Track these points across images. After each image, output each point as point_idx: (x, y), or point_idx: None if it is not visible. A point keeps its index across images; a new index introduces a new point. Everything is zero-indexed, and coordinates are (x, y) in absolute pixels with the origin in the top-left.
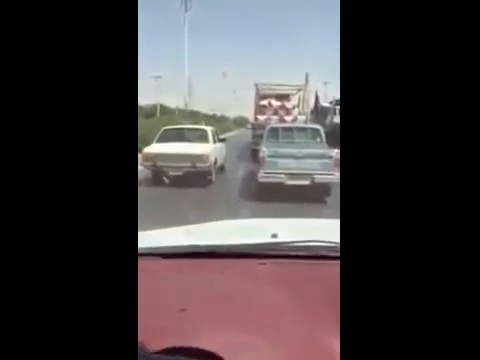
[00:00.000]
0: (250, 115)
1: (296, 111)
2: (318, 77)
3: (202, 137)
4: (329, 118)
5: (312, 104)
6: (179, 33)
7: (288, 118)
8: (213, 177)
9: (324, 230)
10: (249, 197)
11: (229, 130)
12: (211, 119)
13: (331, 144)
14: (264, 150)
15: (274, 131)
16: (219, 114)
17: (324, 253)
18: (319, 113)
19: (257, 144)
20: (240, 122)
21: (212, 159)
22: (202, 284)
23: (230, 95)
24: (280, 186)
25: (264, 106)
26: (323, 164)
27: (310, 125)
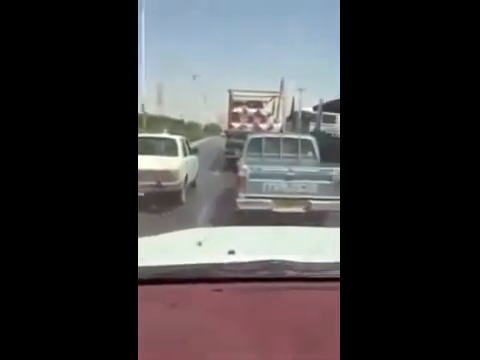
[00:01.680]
0: (222, 122)
1: (271, 119)
2: (294, 83)
3: (170, 148)
4: (314, 126)
5: (288, 111)
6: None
7: (263, 126)
8: (183, 197)
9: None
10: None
11: (200, 137)
12: (179, 125)
13: (323, 159)
14: (245, 168)
15: (256, 143)
16: (188, 120)
17: (289, 274)
18: (297, 120)
19: (232, 153)
20: (212, 129)
21: (182, 176)
22: (147, 323)
23: (201, 101)
24: (266, 214)
25: (238, 113)
26: (321, 186)
27: (301, 135)
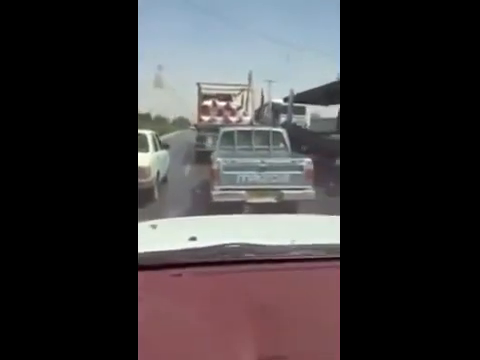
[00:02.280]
0: (191, 116)
1: (241, 112)
2: (262, 75)
3: (140, 144)
4: (285, 118)
5: (257, 104)
6: None
7: (233, 119)
8: (155, 194)
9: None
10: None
11: (168, 132)
12: (146, 119)
13: (294, 150)
14: (218, 161)
15: (229, 136)
16: (155, 114)
17: (250, 256)
18: (268, 112)
19: (202, 146)
20: (180, 123)
21: (154, 172)
22: None
23: (169, 94)
24: (240, 205)
25: (208, 106)
26: (293, 176)
27: (271, 128)
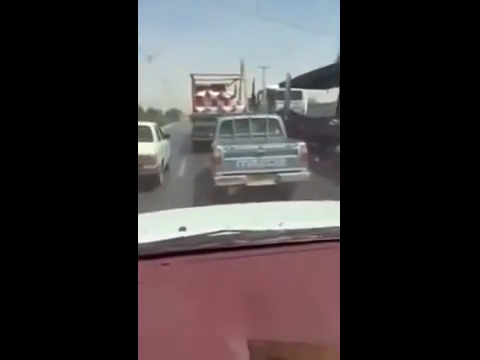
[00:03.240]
0: (184, 107)
1: (234, 101)
2: (255, 61)
3: (145, 135)
4: (282, 104)
5: (250, 92)
6: None
7: (227, 108)
8: (161, 179)
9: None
10: (207, 202)
11: (162, 124)
12: (139, 113)
13: (291, 136)
14: (219, 148)
15: (227, 125)
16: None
17: (238, 243)
18: (262, 100)
19: (199, 136)
20: (173, 115)
21: (159, 159)
22: None
23: (160, 86)
24: (241, 188)
25: (202, 97)
26: (289, 160)
27: (268, 115)
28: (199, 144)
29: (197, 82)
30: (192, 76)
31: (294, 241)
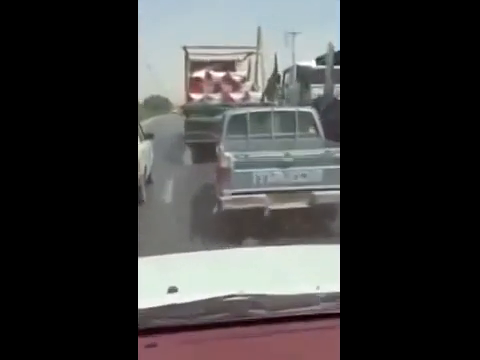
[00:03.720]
0: (172, 94)
1: (248, 85)
2: (279, 27)
3: None
4: (321, 89)
5: (271, 72)
6: None
7: (236, 96)
8: (143, 195)
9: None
10: (207, 233)
11: (141, 118)
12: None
13: (331, 137)
14: (228, 156)
15: (239, 120)
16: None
17: (254, 314)
18: (288, 83)
19: (195, 137)
20: (157, 105)
21: (141, 167)
22: None
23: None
24: (259, 214)
25: (200, 80)
26: (328, 172)
27: (298, 107)
28: (195, 149)
29: (192, 58)
30: (185, 49)
31: (336, 312)
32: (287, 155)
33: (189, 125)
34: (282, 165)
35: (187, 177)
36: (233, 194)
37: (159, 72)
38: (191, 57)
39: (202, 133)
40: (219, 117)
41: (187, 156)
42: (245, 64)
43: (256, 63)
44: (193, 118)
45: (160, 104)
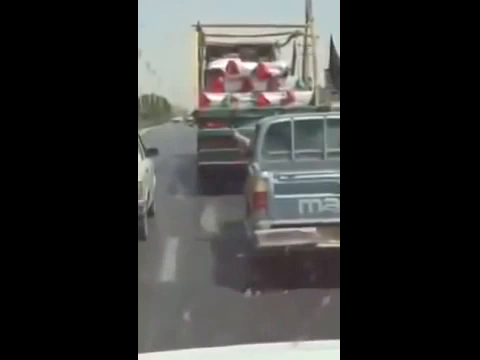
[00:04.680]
0: (176, 96)
1: (292, 81)
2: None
3: None
4: None
5: (326, 63)
6: None
7: (273, 97)
8: (145, 228)
9: None
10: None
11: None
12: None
13: None
14: (266, 177)
15: (279, 132)
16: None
17: None
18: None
19: (211, 157)
20: (153, 111)
21: (145, 191)
22: None
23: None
24: (307, 253)
25: (220, 73)
26: None
27: None
28: (213, 174)
29: (209, 40)
30: (199, 29)
31: None
32: None
33: (204, 140)
34: (337, 189)
35: (200, 211)
36: (272, 227)
37: (153, 62)
38: (207, 40)
39: (223, 151)
40: (248, 128)
41: (198, 182)
42: (288, 50)
43: (304, 49)
44: (210, 130)
45: (160, 109)
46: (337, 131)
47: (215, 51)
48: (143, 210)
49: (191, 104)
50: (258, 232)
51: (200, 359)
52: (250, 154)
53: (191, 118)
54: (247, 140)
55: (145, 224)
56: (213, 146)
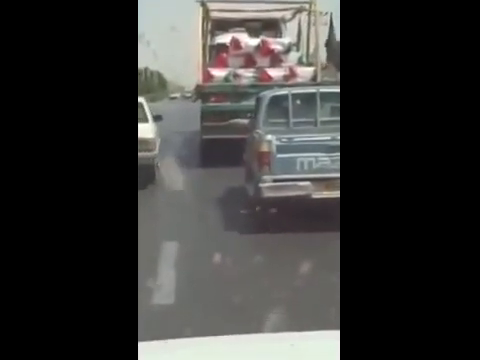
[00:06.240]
0: (172, 71)
1: (295, 56)
2: None
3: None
4: None
5: (324, 39)
6: None
7: (276, 73)
8: (156, 173)
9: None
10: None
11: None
12: None
13: None
14: (269, 139)
15: (279, 103)
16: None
17: None
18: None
19: (215, 130)
20: (149, 87)
21: (157, 145)
22: None
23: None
24: (302, 202)
25: (224, 48)
26: None
27: None
28: (216, 147)
29: (214, 15)
30: (203, 4)
31: None
32: (334, 139)
33: (207, 114)
34: (328, 150)
35: (203, 180)
36: (274, 181)
37: (147, 33)
38: (212, 14)
39: (226, 125)
40: (250, 103)
41: (204, 157)
42: (293, 25)
43: (308, 24)
44: (213, 104)
45: (150, 84)
46: (328, 103)
47: (220, 26)
48: (155, 160)
49: (188, 80)
50: (262, 185)
51: (199, 348)
52: (249, 130)
53: (189, 95)
54: (245, 121)
55: (156, 170)
56: (216, 120)
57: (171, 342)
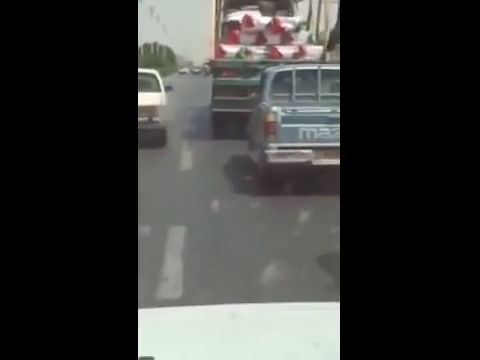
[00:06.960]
0: (183, 46)
1: (305, 35)
2: None
3: (150, 85)
4: None
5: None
6: None
7: (286, 51)
8: (167, 138)
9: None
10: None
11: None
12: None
13: None
14: (275, 111)
15: (283, 78)
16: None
17: None
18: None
19: (225, 104)
20: (157, 61)
21: (169, 112)
22: None
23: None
24: (303, 169)
25: (236, 25)
26: None
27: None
28: (227, 119)
29: None
30: None
31: None
32: (334, 111)
33: (219, 88)
34: (328, 121)
35: (213, 149)
36: (279, 149)
37: (157, 7)
38: None
39: (236, 100)
40: (259, 79)
41: (214, 129)
42: (304, 5)
43: (319, 4)
44: (225, 79)
45: (159, 59)
46: (329, 79)
47: (233, 3)
48: (167, 124)
49: (197, 56)
50: (268, 151)
51: (197, 315)
52: (255, 103)
53: (197, 70)
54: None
55: (167, 134)
56: (227, 94)
57: (167, 310)
